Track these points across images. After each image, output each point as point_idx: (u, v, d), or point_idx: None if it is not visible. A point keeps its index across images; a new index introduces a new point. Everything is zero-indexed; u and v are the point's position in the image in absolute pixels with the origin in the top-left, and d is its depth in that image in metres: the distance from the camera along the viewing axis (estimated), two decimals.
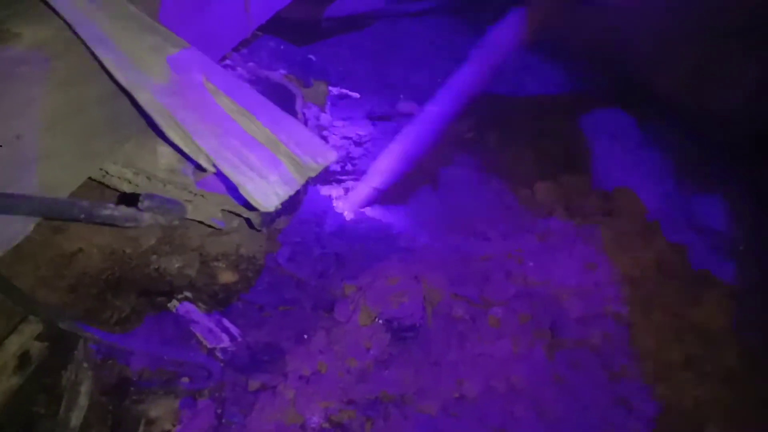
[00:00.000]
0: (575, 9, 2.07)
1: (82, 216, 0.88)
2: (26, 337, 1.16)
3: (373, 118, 1.96)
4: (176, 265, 1.39)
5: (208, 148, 0.88)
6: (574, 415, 1.39)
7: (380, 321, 1.40)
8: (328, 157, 0.92)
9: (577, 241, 1.63)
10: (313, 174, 0.94)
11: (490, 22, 2.36)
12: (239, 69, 1.26)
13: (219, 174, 0.90)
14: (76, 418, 1.11)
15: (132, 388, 1.22)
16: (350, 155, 1.90)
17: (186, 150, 0.89)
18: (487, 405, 1.37)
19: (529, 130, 2.00)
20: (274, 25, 1.62)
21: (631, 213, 1.73)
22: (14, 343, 1.10)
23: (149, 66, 0.89)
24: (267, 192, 0.88)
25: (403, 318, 1.43)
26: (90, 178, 1.20)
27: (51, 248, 1.39)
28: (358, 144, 1.93)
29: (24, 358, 1.16)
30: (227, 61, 1.27)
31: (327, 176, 1.76)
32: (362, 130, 1.99)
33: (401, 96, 2.14)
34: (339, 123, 1.88)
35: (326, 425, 1.23)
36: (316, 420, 1.23)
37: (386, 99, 2.09)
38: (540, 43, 2.15)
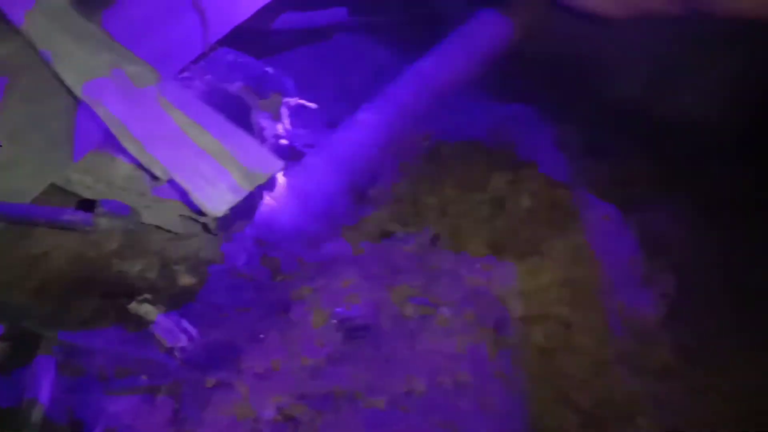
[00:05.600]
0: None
1: (42, 221, 0.94)
2: None
3: (333, 126, 2.04)
4: (137, 269, 1.45)
5: (160, 158, 0.95)
6: (516, 409, 1.47)
7: (333, 321, 1.48)
8: (275, 166, 1.00)
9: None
10: (261, 181, 1.01)
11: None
12: (197, 81, 1.33)
13: (172, 182, 0.97)
14: (36, 415, 1.17)
15: (92, 386, 1.28)
16: None
17: (140, 160, 0.96)
18: (434, 399, 1.45)
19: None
20: (236, 36, 1.69)
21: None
22: None
23: (106, 82, 0.96)
24: (215, 199, 0.96)
25: (356, 318, 1.51)
26: (53, 184, 1.26)
27: (17, 252, 1.44)
28: None
29: None
30: (186, 74, 1.34)
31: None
32: (323, 138, 2.07)
33: (362, 105, 2.21)
34: (301, 132, 1.95)
35: (278, 418, 1.30)
36: (268, 413, 1.30)
37: (347, 108, 2.17)
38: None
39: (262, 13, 1.76)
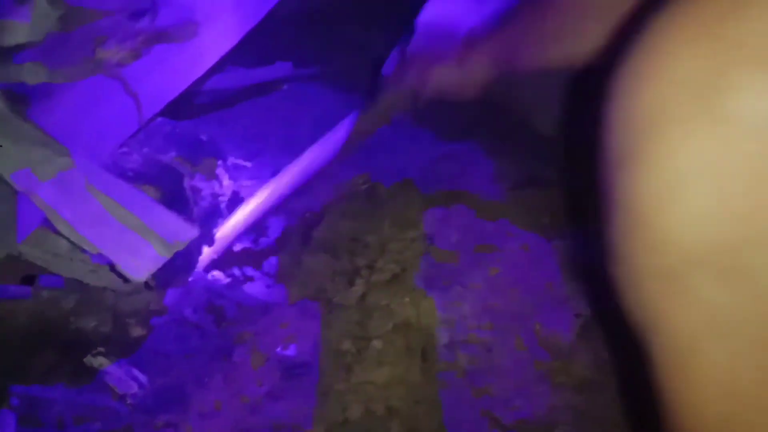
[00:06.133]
0: None
1: None
2: None
3: (277, 175, 2.20)
4: (92, 324, 1.60)
5: (89, 237, 1.11)
6: (443, 430, 1.63)
7: (272, 361, 1.63)
8: (190, 234, 1.17)
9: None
10: (180, 247, 1.18)
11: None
12: (135, 155, 1.50)
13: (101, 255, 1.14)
14: None
15: None
16: None
17: (72, 239, 1.12)
18: (367, 427, 1.61)
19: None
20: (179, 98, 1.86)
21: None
22: None
23: (39, 175, 1.12)
24: (137, 269, 1.12)
25: (294, 357, 1.66)
26: (10, 256, 1.42)
27: None
28: None
29: None
30: (124, 149, 1.51)
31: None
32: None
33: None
34: (248, 182, 2.11)
35: None
36: None
37: (291, 156, 2.34)
38: None
39: (206, 74, 1.93)
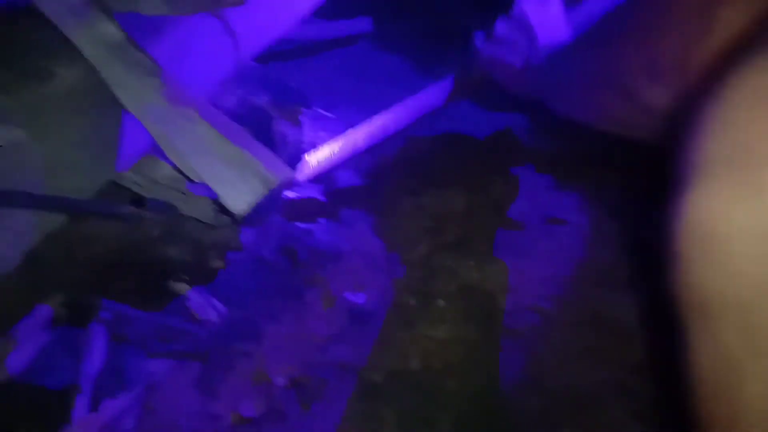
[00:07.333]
0: None
1: (103, 213, 1.18)
2: (55, 303, 1.48)
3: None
4: (176, 252, 1.69)
5: (194, 165, 1.17)
6: (493, 389, 1.64)
7: (341, 305, 1.70)
8: (286, 173, 1.22)
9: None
10: (273, 186, 1.24)
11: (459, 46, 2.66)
12: (230, 96, 1.56)
13: (203, 184, 1.20)
14: (95, 369, 1.42)
15: (136, 351, 1.53)
16: None
17: (179, 165, 1.19)
18: (424, 378, 1.66)
19: None
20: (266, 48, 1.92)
21: None
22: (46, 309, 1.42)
23: (153, 102, 1.18)
24: (237, 199, 1.18)
25: (362, 304, 1.73)
26: (112, 181, 1.52)
27: (73, 235, 1.70)
28: None
29: (53, 320, 1.48)
30: (220, 89, 1.57)
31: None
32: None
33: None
34: (321, 134, 2.17)
35: (288, 384, 1.53)
36: (280, 380, 1.52)
37: (364, 111, 2.38)
38: None
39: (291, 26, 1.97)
